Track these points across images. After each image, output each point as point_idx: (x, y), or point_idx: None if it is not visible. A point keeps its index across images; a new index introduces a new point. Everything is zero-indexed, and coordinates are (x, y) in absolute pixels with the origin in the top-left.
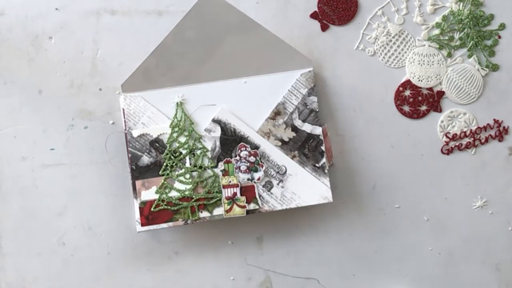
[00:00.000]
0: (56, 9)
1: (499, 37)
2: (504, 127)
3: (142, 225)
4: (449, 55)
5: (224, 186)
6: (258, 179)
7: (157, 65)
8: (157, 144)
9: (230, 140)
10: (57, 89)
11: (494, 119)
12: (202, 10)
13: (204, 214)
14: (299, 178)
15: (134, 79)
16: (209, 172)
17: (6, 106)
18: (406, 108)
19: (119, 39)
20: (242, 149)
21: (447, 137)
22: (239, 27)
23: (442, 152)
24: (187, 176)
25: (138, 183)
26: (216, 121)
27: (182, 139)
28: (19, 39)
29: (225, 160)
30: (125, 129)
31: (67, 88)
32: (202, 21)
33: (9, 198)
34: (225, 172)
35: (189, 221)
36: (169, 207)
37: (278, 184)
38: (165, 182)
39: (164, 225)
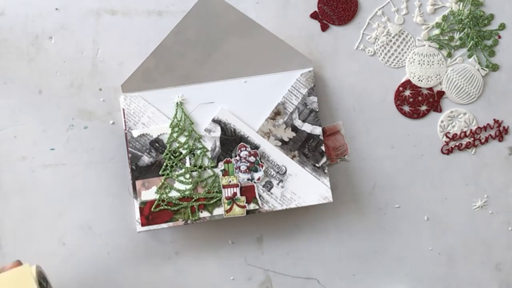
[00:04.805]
0: (56, 9)
1: (499, 37)
2: (504, 127)
3: (142, 225)
4: (449, 55)
5: (224, 186)
6: (258, 179)
7: (157, 65)
8: (157, 144)
9: (230, 140)
10: (57, 89)
11: (494, 119)
12: (202, 11)
13: (204, 214)
14: (299, 178)
15: (134, 79)
16: (209, 172)
17: (6, 106)
18: (406, 108)
19: (119, 39)
20: (242, 149)
21: (447, 137)
22: (239, 27)
23: (442, 152)
24: (187, 176)
25: (138, 183)
26: (216, 121)
27: (182, 139)
28: (19, 39)
29: (225, 160)
30: (125, 129)
31: (67, 88)
32: (202, 22)
33: (9, 198)
34: (225, 172)
35: (189, 221)
36: (169, 207)
37: (278, 184)
38: (165, 182)
39: (164, 225)
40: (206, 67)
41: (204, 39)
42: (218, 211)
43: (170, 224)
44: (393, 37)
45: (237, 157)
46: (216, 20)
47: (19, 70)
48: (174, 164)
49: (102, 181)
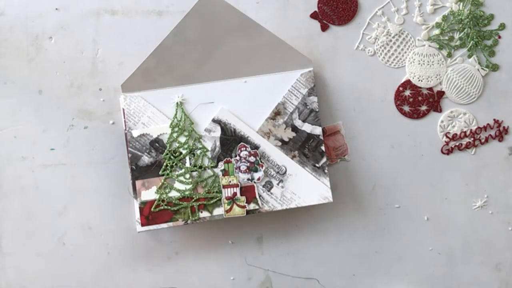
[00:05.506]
0: (56, 9)
1: (499, 37)
2: (504, 127)
3: (142, 225)
4: (449, 55)
5: (224, 186)
6: (258, 179)
7: (157, 65)
8: (157, 144)
9: (230, 140)
10: (57, 89)
11: (494, 119)
12: (202, 11)
13: (204, 214)
14: (299, 178)
15: (134, 79)
16: (209, 172)
17: (6, 106)
18: (406, 108)
19: (119, 39)
20: (242, 149)
21: (447, 137)
22: (239, 28)
23: (442, 152)
24: (187, 176)
25: (138, 183)
26: (216, 121)
27: (182, 139)
28: (19, 39)
29: (225, 160)
30: (125, 129)
31: (67, 88)
32: (202, 22)
33: (9, 198)
34: (225, 172)
35: (189, 221)
36: (169, 207)
37: (278, 184)
38: (165, 182)
39: (164, 225)
40: (206, 67)
41: (204, 39)
42: (218, 211)
43: (170, 224)
44: (393, 37)
45: (237, 157)
46: (216, 20)
47: (19, 70)
48: (174, 164)
49: (102, 181)
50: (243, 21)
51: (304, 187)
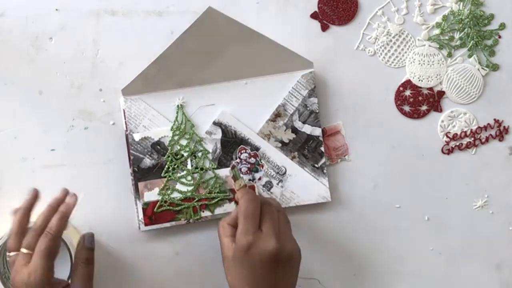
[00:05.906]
0: (56, 9)
1: (499, 37)
2: (504, 126)
3: (146, 225)
4: (449, 55)
5: (233, 190)
6: (259, 178)
7: (158, 73)
8: (158, 147)
9: (231, 142)
10: (58, 90)
11: (495, 119)
12: (204, 25)
13: (206, 213)
14: (299, 178)
15: (135, 85)
16: (210, 173)
17: (6, 107)
18: (407, 108)
19: (119, 39)
20: (242, 151)
21: (447, 137)
22: (241, 38)
23: (443, 152)
24: (189, 178)
25: (141, 184)
26: (217, 124)
27: (183, 141)
28: (19, 40)
29: (231, 166)
30: (126, 131)
31: (68, 88)
32: (204, 35)
33: (10, 199)
34: (234, 177)
35: (191, 220)
36: (171, 207)
37: (277, 184)
38: (167, 184)
39: (167, 224)
40: (206, 70)
41: (206, 50)
42: (220, 210)
43: (173, 223)
44: (393, 37)
45: (238, 160)
46: (218, 33)
47: (19, 71)
48: (175, 166)
49: (102, 181)
50: (244, 32)
51: (303, 187)
